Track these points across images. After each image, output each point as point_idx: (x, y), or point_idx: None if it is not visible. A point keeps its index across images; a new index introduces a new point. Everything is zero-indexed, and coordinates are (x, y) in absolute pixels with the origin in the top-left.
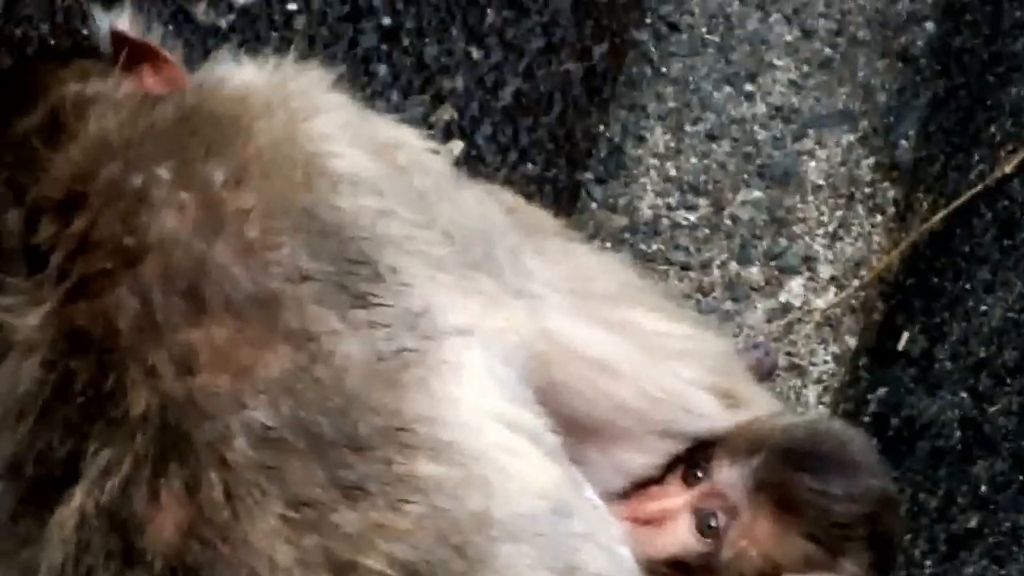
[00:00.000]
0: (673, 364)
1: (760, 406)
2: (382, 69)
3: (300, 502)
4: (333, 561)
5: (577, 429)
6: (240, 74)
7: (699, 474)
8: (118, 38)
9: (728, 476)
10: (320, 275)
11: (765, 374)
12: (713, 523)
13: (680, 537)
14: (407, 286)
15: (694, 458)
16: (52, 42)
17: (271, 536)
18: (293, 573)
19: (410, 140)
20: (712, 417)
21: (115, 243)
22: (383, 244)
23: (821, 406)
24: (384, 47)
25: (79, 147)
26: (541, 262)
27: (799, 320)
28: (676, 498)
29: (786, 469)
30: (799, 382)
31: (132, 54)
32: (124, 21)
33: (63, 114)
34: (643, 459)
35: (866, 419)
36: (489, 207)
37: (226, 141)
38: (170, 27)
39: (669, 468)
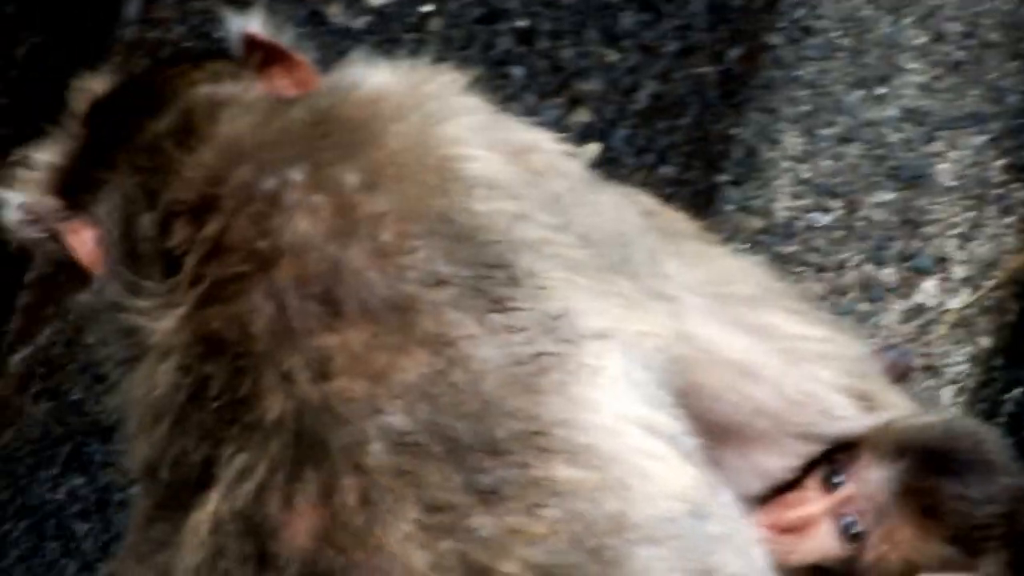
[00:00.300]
0: (811, 367)
1: (896, 408)
2: (518, 71)
3: (436, 507)
4: (468, 566)
5: (716, 432)
6: (374, 77)
7: (836, 480)
8: (250, 40)
9: (872, 481)
10: (456, 279)
11: (900, 375)
12: (856, 529)
13: (822, 544)
14: (544, 289)
15: (831, 462)
16: (186, 45)
17: (406, 541)
18: None
19: (545, 143)
20: (850, 419)
21: (248, 247)
22: (519, 248)
23: (956, 407)
24: (520, 49)
25: (211, 150)
26: (679, 265)
27: (933, 321)
28: (816, 505)
29: (929, 474)
30: (934, 383)
31: (264, 56)
32: (256, 24)
33: (195, 117)
34: (781, 462)
35: (1002, 419)
36: (626, 210)
37: (359, 144)
38: (304, 29)
39: (806, 472)
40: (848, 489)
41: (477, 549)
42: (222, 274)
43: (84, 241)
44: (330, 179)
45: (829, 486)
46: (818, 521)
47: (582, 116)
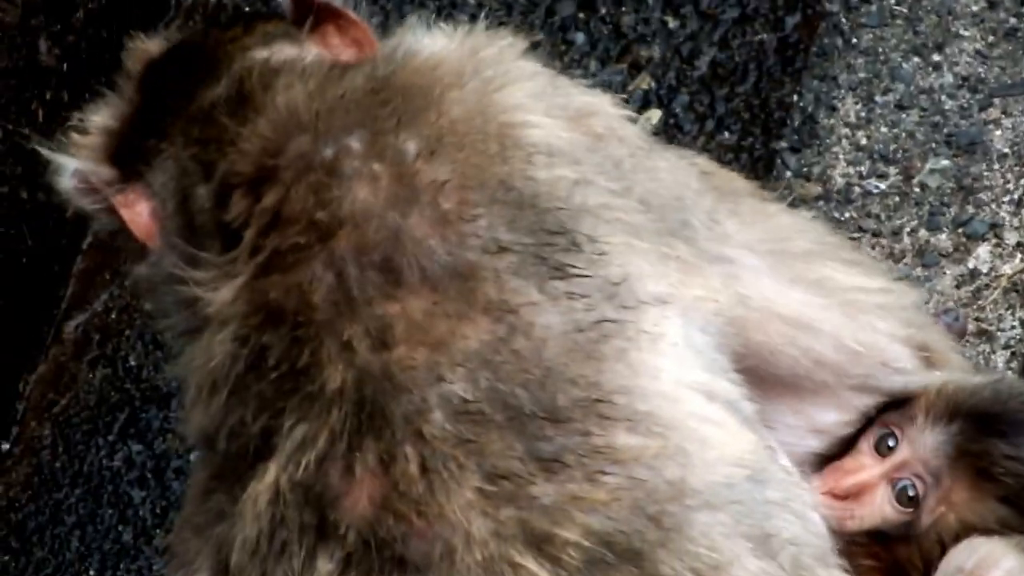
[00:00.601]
0: (870, 318)
1: (952, 362)
2: (579, 38)
3: (497, 475)
4: (529, 533)
5: (775, 389)
6: (432, 43)
7: (891, 444)
8: (305, 1)
9: (926, 445)
10: (518, 246)
11: (955, 339)
12: (912, 493)
13: (880, 509)
14: (605, 255)
15: (884, 425)
16: (241, 6)
17: (467, 509)
18: (489, 546)
19: (605, 107)
20: (908, 372)
21: (308, 217)
22: (580, 214)
23: (1010, 371)
24: (581, 15)
25: (267, 120)
26: (737, 224)
27: (987, 286)
28: (871, 470)
29: (981, 436)
30: (987, 347)
31: (317, 15)
32: None
33: (249, 85)
34: (838, 416)
35: None
36: (684, 172)
37: (418, 112)
38: None
39: (859, 433)
40: (902, 454)
41: (538, 516)
42: (281, 245)
43: (139, 213)
44: (389, 147)
45: (884, 450)
46: (874, 486)
47: (644, 82)
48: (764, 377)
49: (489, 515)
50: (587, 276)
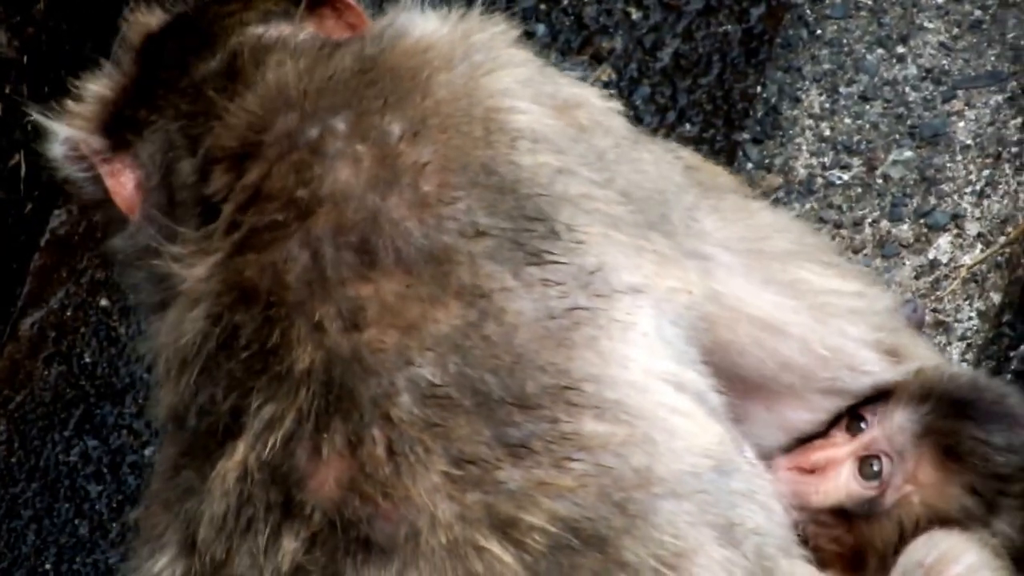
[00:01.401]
0: (840, 322)
1: (923, 360)
2: (540, 29)
3: (464, 459)
4: (495, 517)
5: (743, 386)
6: (423, 26)
7: (863, 425)
8: None
9: (895, 422)
10: (496, 231)
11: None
12: (877, 467)
13: (844, 483)
14: (582, 244)
15: (856, 411)
16: None
17: (433, 492)
18: (454, 529)
19: (592, 99)
20: (876, 374)
21: (288, 195)
22: (561, 202)
23: (965, 363)
24: (543, 6)
25: (256, 96)
26: (717, 221)
27: (946, 277)
28: (840, 448)
29: (952, 417)
30: (944, 339)
31: None
32: None
33: (241, 61)
34: (808, 416)
35: (1008, 375)
36: (667, 166)
37: (405, 94)
38: None
39: (832, 424)
40: (871, 432)
41: (504, 501)
42: (259, 222)
43: (124, 184)
44: (374, 128)
45: (855, 430)
46: (841, 462)
47: (604, 74)
48: (733, 373)
49: (455, 499)
50: (563, 264)
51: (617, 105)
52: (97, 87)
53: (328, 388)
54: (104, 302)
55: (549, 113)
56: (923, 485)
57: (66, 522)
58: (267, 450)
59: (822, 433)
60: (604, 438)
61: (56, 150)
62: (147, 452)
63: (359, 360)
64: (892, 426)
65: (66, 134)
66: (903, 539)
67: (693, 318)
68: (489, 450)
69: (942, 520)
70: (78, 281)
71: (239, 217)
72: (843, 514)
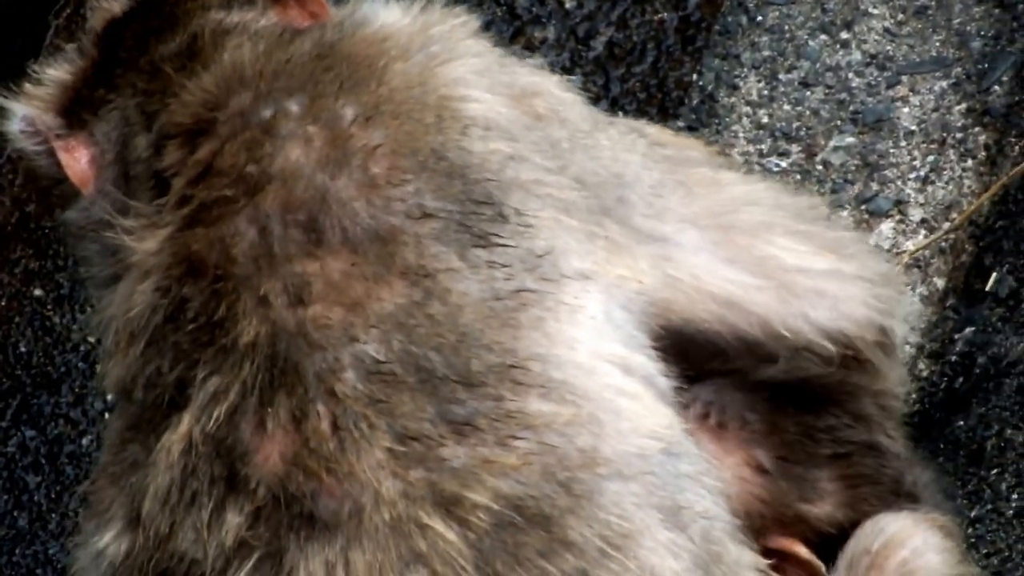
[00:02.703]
0: (803, 304)
1: (875, 359)
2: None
3: (408, 436)
4: (438, 495)
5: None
6: (384, 16)
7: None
8: None
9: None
10: (442, 213)
11: None
12: None
13: None
14: (531, 228)
15: None
16: None
17: (377, 469)
18: (397, 506)
19: (550, 88)
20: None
21: (238, 172)
22: (511, 187)
23: (908, 346)
24: None
25: (212, 75)
26: (683, 196)
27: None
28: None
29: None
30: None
31: None
32: None
33: (201, 42)
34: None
35: (953, 358)
36: (627, 148)
37: (360, 80)
38: None
39: None
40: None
41: (448, 479)
42: (209, 197)
43: (77, 159)
44: (327, 111)
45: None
46: None
47: (537, 63)
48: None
49: (399, 475)
50: (510, 247)
51: (577, 93)
52: (56, 71)
53: (273, 362)
54: (38, 291)
55: (504, 102)
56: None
57: (4, 514)
58: (212, 423)
59: None
60: (549, 417)
61: (13, 127)
62: (85, 441)
63: (304, 335)
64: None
65: (23, 112)
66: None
67: (644, 303)
68: (433, 427)
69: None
70: (12, 271)
71: (189, 191)
72: None
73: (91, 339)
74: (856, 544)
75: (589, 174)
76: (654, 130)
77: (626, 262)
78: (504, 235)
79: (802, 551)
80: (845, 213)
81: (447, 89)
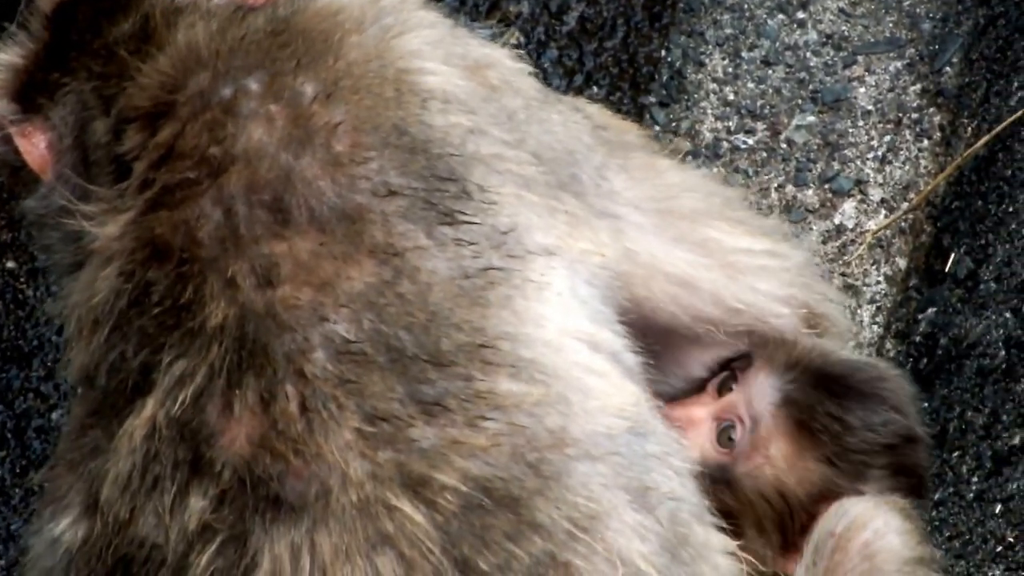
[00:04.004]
0: (750, 279)
1: (833, 324)
2: None
3: (377, 416)
4: (406, 476)
5: (657, 340)
6: None
7: (733, 385)
8: None
9: (758, 386)
10: (408, 191)
11: None
12: (732, 435)
13: (700, 446)
14: (495, 205)
15: (732, 368)
16: None
17: (345, 450)
18: (365, 487)
19: (502, 59)
20: (786, 327)
21: (200, 153)
22: (472, 162)
23: (875, 326)
24: None
25: (168, 57)
26: (626, 180)
27: (852, 242)
28: (703, 407)
29: (812, 389)
30: (853, 302)
31: None
32: None
33: (153, 22)
34: (708, 357)
35: (917, 339)
36: (576, 126)
37: (317, 55)
38: None
39: (712, 375)
40: (735, 395)
41: (416, 460)
42: (171, 180)
43: (35, 144)
44: (287, 89)
45: (723, 391)
46: (700, 423)
47: (512, 38)
48: (647, 329)
49: (367, 456)
50: (476, 224)
51: (527, 66)
52: (7, 55)
53: (241, 344)
54: (11, 264)
55: (460, 74)
56: (774, 458)
57: None
58: (177, 406)
59: (699, 388)
60: (519, 397)
61: None
62: (54, 416)
63: (273, 316)
64: (752, 391)
65: None
66: (776, 509)
67: (608, 278)
68: (402, 407)
69: (807, 490)
70: None
71: (151, 175)
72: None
73: None
74: (822, 527)
75: (545, 148)
76: (594, 110)
77: (587, 235)
78: (469, 212)
79: None
80: (810, 192)
81: (404, 62)
